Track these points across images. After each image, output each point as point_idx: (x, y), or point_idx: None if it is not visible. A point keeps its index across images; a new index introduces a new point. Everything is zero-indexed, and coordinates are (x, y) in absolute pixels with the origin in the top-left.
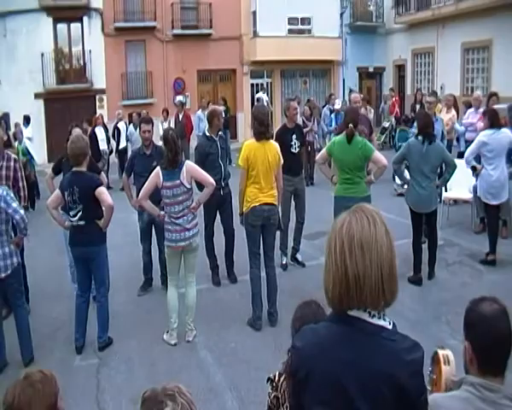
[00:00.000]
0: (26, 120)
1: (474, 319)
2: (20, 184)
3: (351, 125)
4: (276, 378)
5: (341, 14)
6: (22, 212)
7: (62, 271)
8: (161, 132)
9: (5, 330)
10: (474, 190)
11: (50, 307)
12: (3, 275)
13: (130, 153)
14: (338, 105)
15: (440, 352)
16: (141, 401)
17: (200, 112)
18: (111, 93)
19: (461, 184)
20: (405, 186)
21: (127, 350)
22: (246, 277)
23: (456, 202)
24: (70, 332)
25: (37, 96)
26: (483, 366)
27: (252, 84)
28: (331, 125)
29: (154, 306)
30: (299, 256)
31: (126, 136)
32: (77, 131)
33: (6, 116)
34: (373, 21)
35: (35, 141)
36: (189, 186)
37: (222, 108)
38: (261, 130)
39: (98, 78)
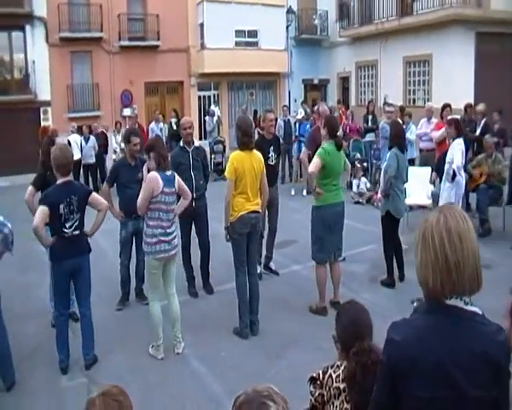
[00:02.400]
0: None
1: None
2: None
3: (340, 133)
4: (321, 377)
5: (287, 28)
6: (10, 225)
7: (27, 289)
8: (114, 145)
9: None
10: (435, 195)
11: (23, 328)
12: None
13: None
14: (300, 115)
15: None
16: (236, 407)
17: (153, 124)
18: (56, 105)
19: (419, 191)
20: (368, 193)
21: (115, 366)
22: (222, 287)
23: (411, 208)
24: (49, 351)
25: None
26: None
27: (199, 97)
28: (299, 134)
29: (134, 319)
30: (272, 265)
31: (81, 148)
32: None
33: None
34: (318, 35)
35: None
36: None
37: (174, 119)
38: (244, 140)
39: (42, 89)
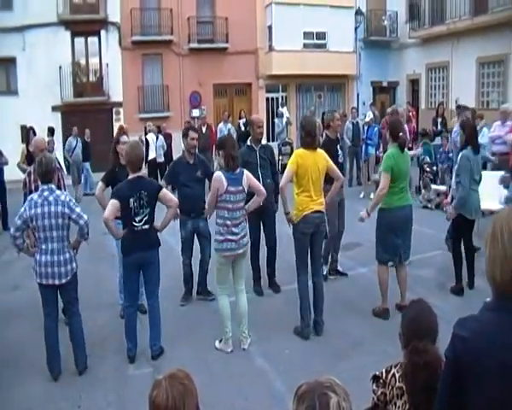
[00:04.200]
0: (51, 131)
1: None
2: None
3: (401, 134)
4: (384, 375)
5: (356, 29)
6: (86, 217)
7: (98, 281)
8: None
9: None
10: (508, 201)
11: (93, 317)
12: (64, 281)
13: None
14: (368, 117)
15: None
16: (297, 397)
17: (222, 124)
18: (128, 106)
19: (491, 196)
20: (437, 199)
21: (181, 359)
22: (286, 287)
23: (483, 213)
24: (118, 341)
25: (54, 108)
26: None
27: (267, 98)
28: (366, 137)
29: (199, 315)
30: (339, 267)
31: (155, 147)
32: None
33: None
34: (387, 36)
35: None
36: (246, 193)
37: (242, 120)
38: (307, 140)
39: (115, 91)
